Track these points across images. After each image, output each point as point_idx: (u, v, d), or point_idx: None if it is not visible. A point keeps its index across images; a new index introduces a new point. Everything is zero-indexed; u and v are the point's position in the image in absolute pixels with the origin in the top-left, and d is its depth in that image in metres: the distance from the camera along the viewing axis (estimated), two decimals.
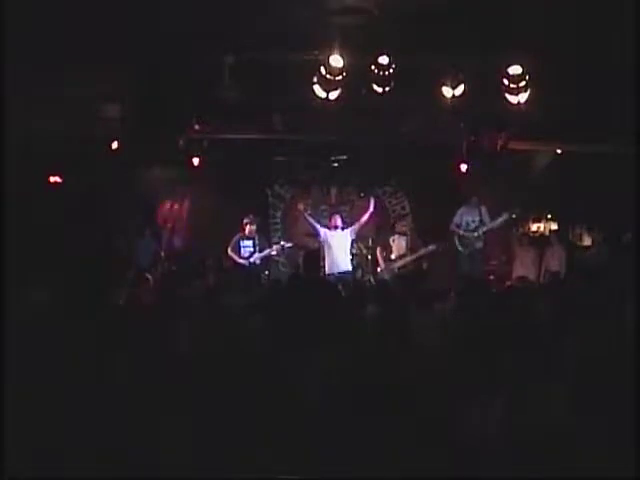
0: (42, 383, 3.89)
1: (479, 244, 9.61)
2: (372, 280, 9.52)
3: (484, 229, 9.54)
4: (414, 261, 9.26)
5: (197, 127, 9.33)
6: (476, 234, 9.55)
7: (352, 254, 9.53)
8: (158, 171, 10.72)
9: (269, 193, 11.47)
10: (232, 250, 9.46)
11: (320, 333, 4.59)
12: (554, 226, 10.88)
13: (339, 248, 9.14)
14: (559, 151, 10.18)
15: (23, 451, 3.57)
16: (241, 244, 9.47)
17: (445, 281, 8.31)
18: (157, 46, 7.47)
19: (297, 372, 4.13)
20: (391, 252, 9.40)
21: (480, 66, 8.06)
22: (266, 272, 9.86)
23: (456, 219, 9.69)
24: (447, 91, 8.06)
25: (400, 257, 9.31)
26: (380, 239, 10.03)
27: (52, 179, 9.65)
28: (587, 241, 10.37)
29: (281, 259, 10.97)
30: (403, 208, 11.51)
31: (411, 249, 9.33)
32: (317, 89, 7.98)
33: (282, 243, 9.97)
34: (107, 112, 8.68)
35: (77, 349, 4.21)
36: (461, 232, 9.64)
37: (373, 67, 7.80)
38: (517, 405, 3.74)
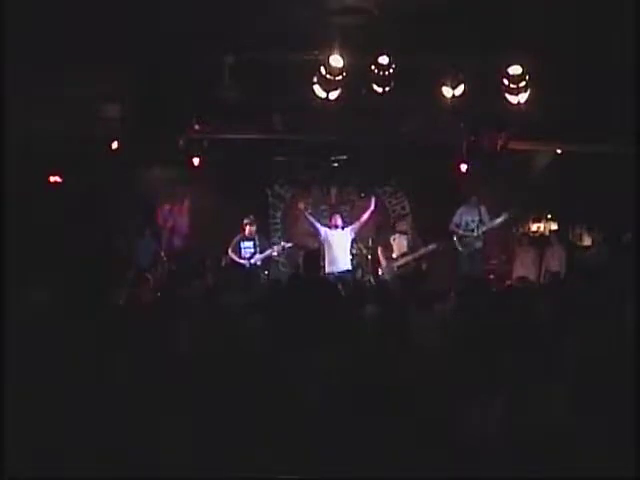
0: (42, 383, 3.89)
1: (479, 244, 9.62)
2: (372, 280, 9.54)
3: (484, 229, 9.55)
4: (415, 260, 9.28)
5: (197, 127, 9.33)
6: (476, 234, 9.55)
7: (352, 254, 9.53)
8: (158, 171, 10.73)
9: (269, 193, 11.48)
10: (233, 251, 9.47)
11: (320, 333, 4.59)
12: (554, 226, 10.88)
13: (339, 247, 9.15)
14: (559, 151, 10.19)
15: (23, 451, 3.57)
16: (241, 245, 9.49)
17: (445, 281, 8.33)
18: (157, 46, 7.48)
19: (297, 372, 4.13)
20: (392, 251, 9.41)
21: (480, 66, 8.07)
22: (266, 272, 9.85)
23: (456, 219, 9.69)
24: (447, 91, 8.07)
25: (402, 255, 9.33)
26: (380, 239, 10.05)
27: (52, 179, 9.66)
28: (587, 241, 10.37)
29: (281, 259, 10.96)
30: (403, 208, 11.51)
31: (412, 248, 9.35)
32: (317, 89, 7.99)
33: (282, 243, 9.98)
34: (107, 112, 8.69)
35: (77, 349, 4.21)
36: (461, 232, 9.63)
37: (373, 67, 7.81)
38: (517, 405, 3.73)
